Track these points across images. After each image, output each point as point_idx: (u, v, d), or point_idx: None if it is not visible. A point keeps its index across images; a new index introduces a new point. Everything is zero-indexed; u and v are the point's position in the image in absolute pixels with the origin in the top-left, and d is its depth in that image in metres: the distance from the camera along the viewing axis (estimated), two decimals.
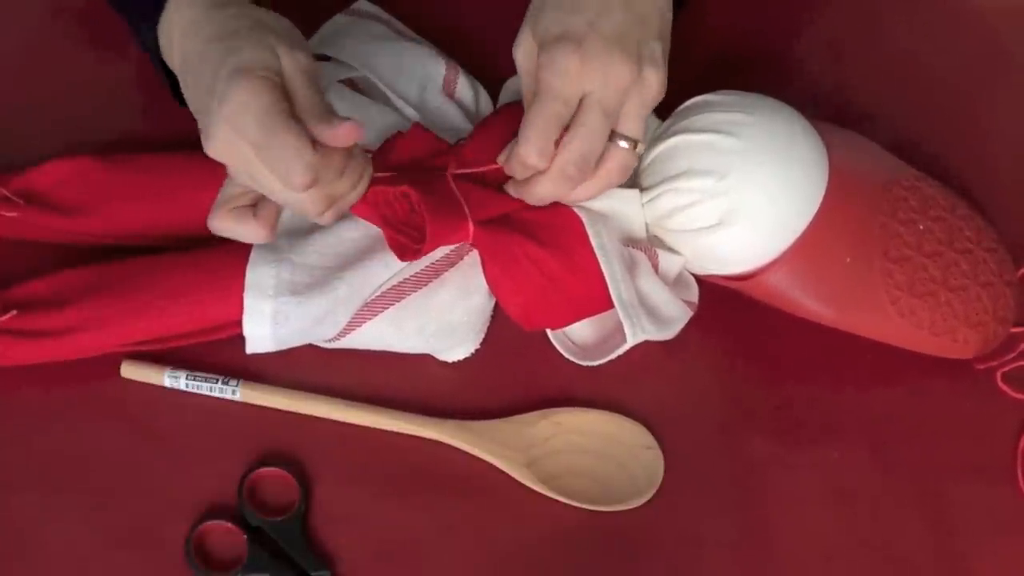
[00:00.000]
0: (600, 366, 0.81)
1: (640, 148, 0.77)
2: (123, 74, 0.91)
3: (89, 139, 0.86)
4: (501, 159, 0.79)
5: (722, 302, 0.83)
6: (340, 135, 0.70)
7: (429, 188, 0.77)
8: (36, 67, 0.91)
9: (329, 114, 0.71)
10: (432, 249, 0.78)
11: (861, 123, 0.88)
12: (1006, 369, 0.84)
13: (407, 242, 0.77)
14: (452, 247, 0.80)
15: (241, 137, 0.70)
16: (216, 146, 0.71)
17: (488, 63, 0.89)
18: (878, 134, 0.86)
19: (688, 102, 0.82)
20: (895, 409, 0.83)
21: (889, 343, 0.82)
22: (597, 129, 0.75)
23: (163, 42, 0.77)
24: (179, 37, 0.75)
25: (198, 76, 0.73)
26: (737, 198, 0.78)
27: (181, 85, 0.76)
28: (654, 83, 0.75)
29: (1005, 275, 0.83)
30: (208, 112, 0.71)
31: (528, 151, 0.75)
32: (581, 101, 0.74)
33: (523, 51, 0.77)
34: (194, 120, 0.75)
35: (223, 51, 0.71)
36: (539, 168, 0.76)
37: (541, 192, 0.77)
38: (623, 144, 0.76)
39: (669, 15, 0.78)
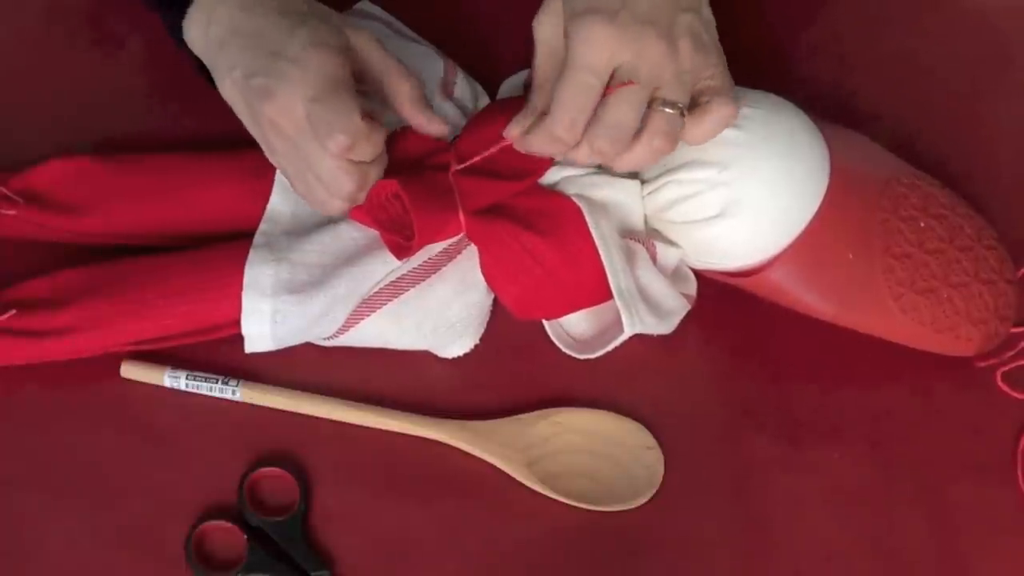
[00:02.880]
0: (600, 366, 0.81)
1: (685, 113, 0.75)
2: (123, 74, 0.91)
3: (89, 139, 0.86)
4: (513, 132, 0.77)
5: (723, 301, 0.83)
6: (432, 124, 0.78)
7: (418, 183, 0.77)
8: (36, 67, 0.91)
9: (423, 100, 0.78)
10: (423, 244, 0.78)
11: (862, 122, 0.87)
12: (1006, 368, 0.84)
13: (401, 240, 0.78)
14: (449, 242, 0.80)
15: (300, 97, 0.72)
16: (276, 102, 0.73)
17: (488, 63, 0.89)
18: (878, 133, 0.86)
19: None
20: (895, 408, 0.83)
21: (892, 340, 0.82)
22: (630, 100, 0.74)
23: (199, 15, 0.77)
24: (232, 10, 0.76)
25: (259, 41, 0.75)
26: (739, 190, 0.78)
27: (218, 55, 0.76)
28: (688, 55, 0.74)
29: (1006, 273, 0.84)
30: (272, 73, 0.73)
31: (557, 123, 0.74)
32: (613, 75, 0.74)
33: (549, 25, 0.76)
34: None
35: (293, 23, 0.75)
36: (567, 142, 0.75)
37: (577, 157, 0.76)
38: (667, 110, 0.74)
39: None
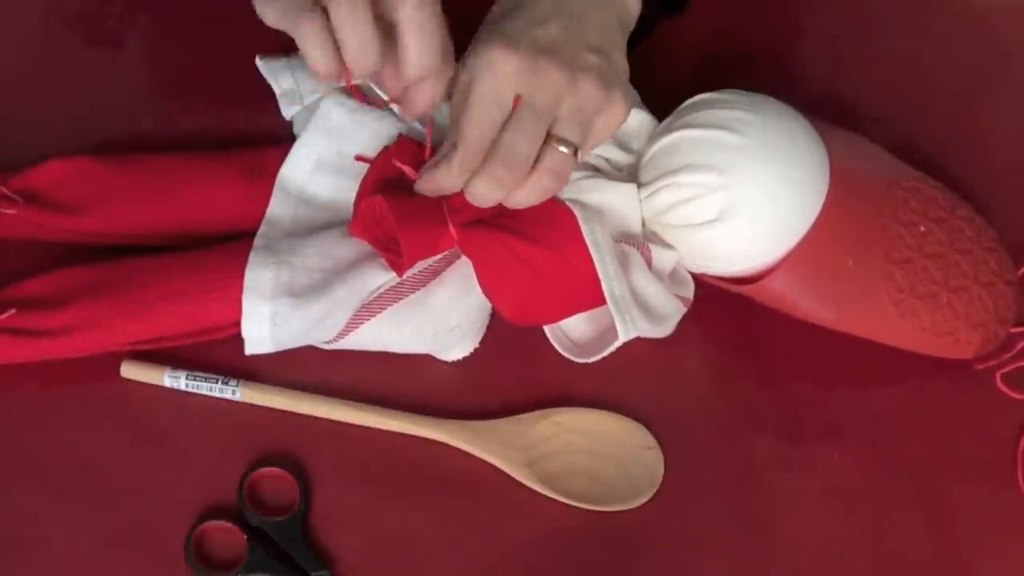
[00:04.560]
0: (600, 365, 0.81)
1: (580, 155, 0.75)
2: (123, 74, 0.91)
3: (89, 139, 0.86)
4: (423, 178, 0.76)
5: (722, 301, 0.83)
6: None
7: (405, 199, 0.77)
8: (36, 67, 0.91)
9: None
10: (414, 261, 0.78)
11: (861, 123, 0.88)
12: (1006, 369, 0.84)
13: (396, 258, 0.78)
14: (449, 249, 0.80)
15: None
16: None
17: None
18: (878, 134, 0.86)
19: (690, 99, 0.82)
20: (895, 409, 0.83)
21: (891, 344, 0.82)
22: (527, 128, 0.73)
23: None
24: None
25: None
26: (737, 194, 0.78)
27: None
28: (589, 91, 0.74)
29: (1006, 275, 0.84)
30: None
31: (464, 150, 0.73)
32: (514, 103, 0.73)
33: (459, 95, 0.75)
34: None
35: None
36: (466, 170, 0.74)
37: (475, 192, 0.75)
38: (562, 148, 0.74)
39: (617, 35, 0.77)
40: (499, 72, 0.73)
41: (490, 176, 0.74)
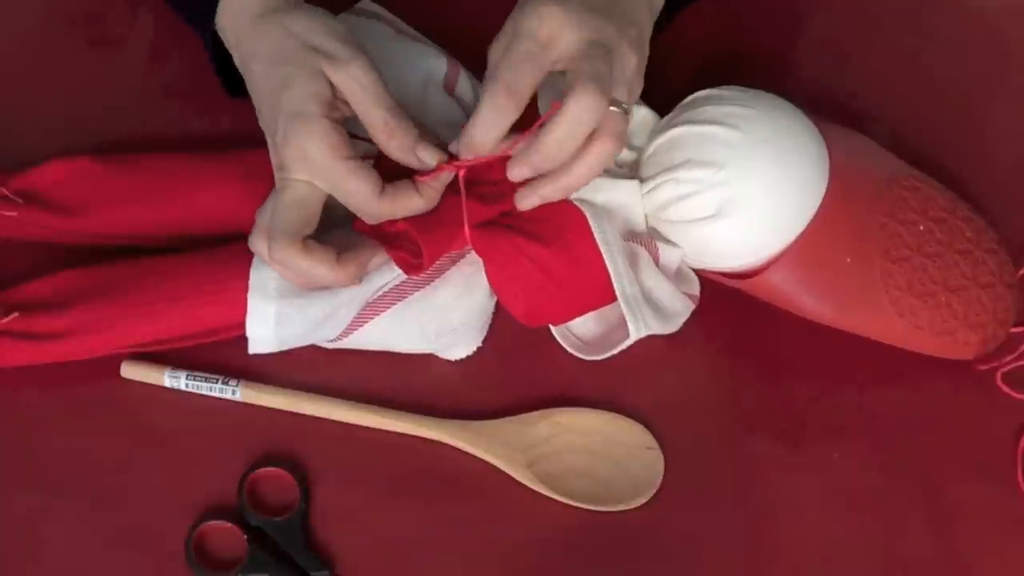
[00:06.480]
0: (600, 365, 0.81)
1: (631, 113, 0.75)
2: (123, 74, 0.91)
3: (89, 139, 0.86)
4: (506, 144, 0.74)
5: (723, 301, 0.83)
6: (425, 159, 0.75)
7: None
8: (36, 67, 0.91)
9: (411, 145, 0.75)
10: (432, 264, 0.78)
11: (862, 122, 0.88)
12: (1006, 369, 0.84)
13: (408, 257, 0.77)
14: None
15: (309, 174, 0.74)
16: (288, 175, 0.74)
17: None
18: (878, 134, 0.87)
19: (691, 96, 0.82)
20: (896, 409, 0.83)
21: (889, 343, 0.82)
22: (595, 102, 0.71)
23: (226, 39, 0.80)
24: (235, 43, 0.78)
25: (260, 95, 0.77)
26: (735, 190, 0.78)
27: (247, 82, 0.79)
28: (631, 59, 0.74)
29: (1005, 277, 0.83)
30: (275, 144, 0.75)
31: (499, 88, 0.72)
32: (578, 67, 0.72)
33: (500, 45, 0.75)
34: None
35: (278, 82, 0.74)
36: (509, 113, 0.72)
37: (534, 160, 0.74)
38: (615, 109, 0.74)
39: (649, 19, 0.78)
40: (540, 17, 0.72)
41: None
